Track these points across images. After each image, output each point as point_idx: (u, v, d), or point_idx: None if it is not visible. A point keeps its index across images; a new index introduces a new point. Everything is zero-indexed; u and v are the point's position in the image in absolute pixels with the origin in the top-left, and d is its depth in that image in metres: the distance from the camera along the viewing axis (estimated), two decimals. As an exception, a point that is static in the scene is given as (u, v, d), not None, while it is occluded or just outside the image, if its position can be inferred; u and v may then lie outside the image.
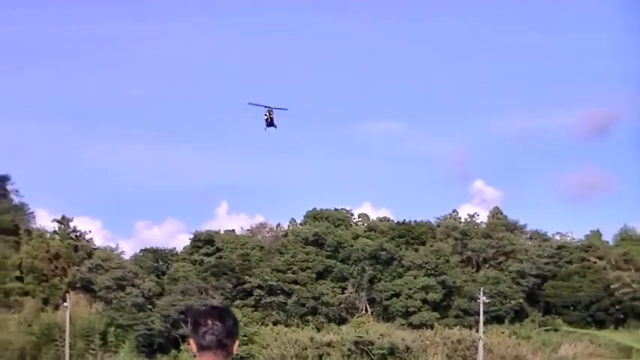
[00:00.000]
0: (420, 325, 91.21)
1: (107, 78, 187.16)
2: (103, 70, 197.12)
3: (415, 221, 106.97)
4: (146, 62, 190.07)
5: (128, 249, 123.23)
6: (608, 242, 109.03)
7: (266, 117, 62.34)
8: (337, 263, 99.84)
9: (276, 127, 64.54)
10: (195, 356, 4.29)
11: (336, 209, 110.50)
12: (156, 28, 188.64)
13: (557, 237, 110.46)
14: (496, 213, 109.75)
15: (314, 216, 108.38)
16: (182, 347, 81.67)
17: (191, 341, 4.29)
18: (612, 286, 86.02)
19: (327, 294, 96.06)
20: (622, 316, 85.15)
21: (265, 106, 63.36)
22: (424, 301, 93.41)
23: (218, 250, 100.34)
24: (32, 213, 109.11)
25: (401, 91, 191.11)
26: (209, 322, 4.26)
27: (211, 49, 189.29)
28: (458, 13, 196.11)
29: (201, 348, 4.22)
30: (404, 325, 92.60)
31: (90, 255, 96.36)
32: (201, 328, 4.23)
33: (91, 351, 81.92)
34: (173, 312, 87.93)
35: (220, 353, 4.22)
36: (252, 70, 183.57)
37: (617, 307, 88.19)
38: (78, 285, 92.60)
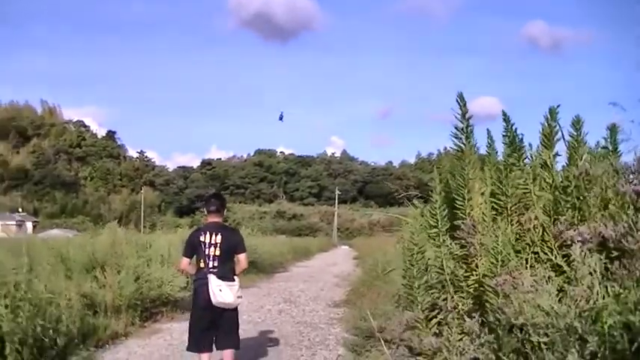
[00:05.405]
0: (307, 204, 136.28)
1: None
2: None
3: (306, 155, 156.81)
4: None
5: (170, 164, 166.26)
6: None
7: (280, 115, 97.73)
8: (269, 175, 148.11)
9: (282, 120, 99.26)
10: (205, 216, 7.36)
11: (269, 149, 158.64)
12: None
13: (373, 163, 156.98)
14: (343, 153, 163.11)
15: (259, 152, 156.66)
16: (197, 213, 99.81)
17: (204, 209, 7.39)
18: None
19: (264, 189, 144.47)
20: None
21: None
22: (310, 192, 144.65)
23: (213, 167, 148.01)
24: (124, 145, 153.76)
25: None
26: (212, 199, 7.34)
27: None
28: None
29: (209, 212, 7.23)
30: (300, 204, 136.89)
31: (153, 168, 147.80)
32: (209, 202, 7.28)
33: (153, 215, 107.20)
34: (192, 196, 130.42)
35: (217, 215, 7.19)
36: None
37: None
38: (147, 183, 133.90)
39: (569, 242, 3.51)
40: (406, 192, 7.28)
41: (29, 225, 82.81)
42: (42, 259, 11.41)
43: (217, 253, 6.98)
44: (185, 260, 7.27)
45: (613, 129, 4.44)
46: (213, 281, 6.85)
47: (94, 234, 15.76)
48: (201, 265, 7.03)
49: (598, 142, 4.56)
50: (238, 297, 7.01)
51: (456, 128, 4.46)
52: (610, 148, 4.43)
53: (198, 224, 8.89)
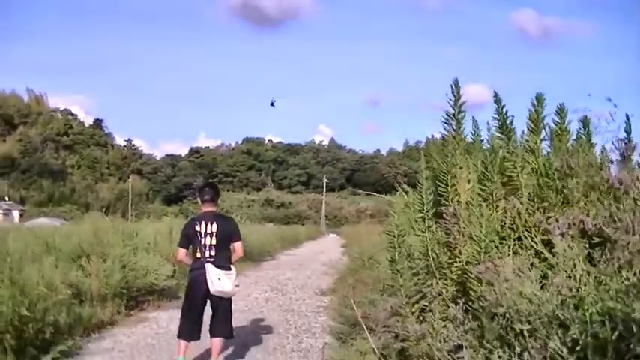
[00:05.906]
0: (296, 192, 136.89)
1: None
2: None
3: (294, 144, 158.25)
4: None
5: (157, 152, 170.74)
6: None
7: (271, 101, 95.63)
8: (257, 163, 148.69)
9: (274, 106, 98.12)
10: (199, 205, 7.43)
11: (257, 137, 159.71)
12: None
13: (361, 151, 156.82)
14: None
15: (247, 140, 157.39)
16: (184, 202, 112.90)
17: (198, 199, 7.51)
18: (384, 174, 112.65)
19: (252, 177, 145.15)
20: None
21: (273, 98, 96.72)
22: (298, 181, 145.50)
23: (201, 156, 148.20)
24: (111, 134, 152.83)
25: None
26: (206, 189, 7.43)
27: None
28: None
29: (203, 202, 7.28)
30: (289, 192, 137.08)
31: (141, 157, 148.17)
32: (203, 192, 7.38)
33: (141, 204, 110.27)
34: (180, 185, 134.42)
35: (211, 204, 7.25)
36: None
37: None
38: (135, 172, 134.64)
39: (550, 231, 3.51)
40: (394, 179, 7.31)
41: (16, 214, 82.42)
42: (28, 248, 11.31)
43: (213, 242, 7.04)
44: (182, 250, 7.34)
45: (585, 121, 4.46)
46: (212, 270, 6.90)
47: (79, 222, 15.69)
48: (198, 254, 7.09)
49: (578, 131, 4.58)
50: (236, 285, 7.09)
51: (447, 114, 4.45)
52: (584, 139, 4.44)
53: (187, 212, 8.87)
